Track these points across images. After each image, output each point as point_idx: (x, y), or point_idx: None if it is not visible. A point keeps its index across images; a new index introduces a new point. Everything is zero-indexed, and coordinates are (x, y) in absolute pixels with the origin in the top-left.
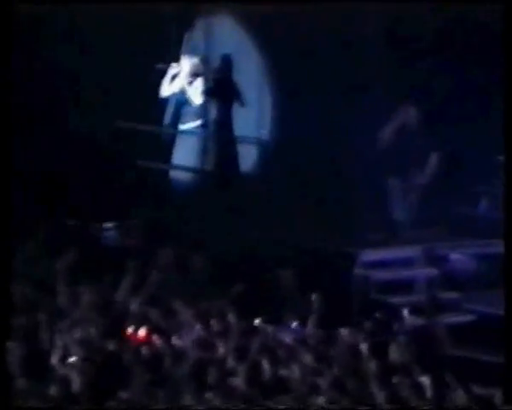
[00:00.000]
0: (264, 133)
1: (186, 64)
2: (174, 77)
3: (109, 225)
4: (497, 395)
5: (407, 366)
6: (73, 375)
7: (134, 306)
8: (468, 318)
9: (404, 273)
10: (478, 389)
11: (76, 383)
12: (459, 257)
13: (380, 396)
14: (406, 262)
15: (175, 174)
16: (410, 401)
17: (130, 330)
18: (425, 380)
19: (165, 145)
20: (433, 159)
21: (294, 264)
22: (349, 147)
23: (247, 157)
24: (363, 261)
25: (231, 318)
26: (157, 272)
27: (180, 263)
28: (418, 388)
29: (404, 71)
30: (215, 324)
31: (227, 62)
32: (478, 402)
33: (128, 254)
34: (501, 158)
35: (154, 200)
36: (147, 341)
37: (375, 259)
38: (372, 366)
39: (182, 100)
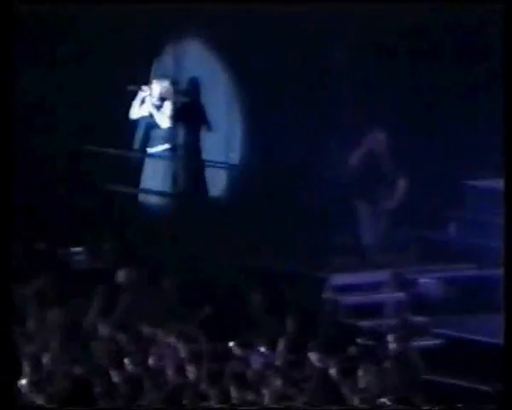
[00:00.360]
0: (233, 157)
1: (155, 87)
2: (143, 100)
3: (78, 249)
4: None
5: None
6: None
7: (103, 330)
8: (436, 342)
9: (373, 298)
10: None
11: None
12: (427, 282)
13: None
14: (375, 287)
15: (143, 198)
16: None
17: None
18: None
19: (133, 169)
20: (402, 184)
21: (264, 288)
22: (318, 171)
23: (216, 181)
24: (333, 285)
25: (201, 341)
26: (126, 296)
27: (149, 287)
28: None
29: (373, 96)
30: (185, 347)
31: (195, 86)
32: None
33: (97, 277)
34: (469, 183)
35: (123, 224)
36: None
37: (345, 283)
38: (342, 389)
39: (151, 123)
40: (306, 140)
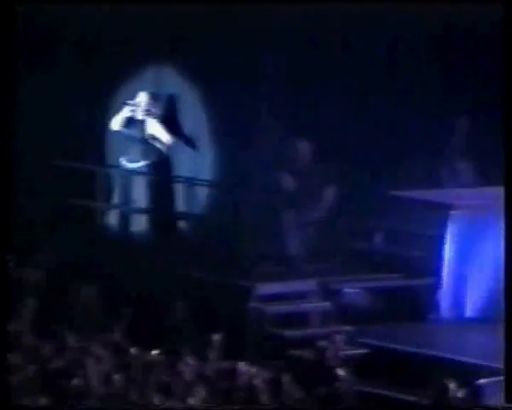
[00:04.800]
0: None
1: (142, 99)
2: (131, 113)
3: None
4: None
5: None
6: None
7: (25, 337)
8: (361, 351)
9: (299, 307)
10: None
11: None
12: (353, 291)
13: None
14: (301, 296)
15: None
16: None
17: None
18: None
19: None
20: (328, 193)
21: (189, 296)
22: (245, 181)
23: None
24: (259, 295)
25: (127, 350)
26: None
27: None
28: None
29: (298, 105)
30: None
31: (174, 103)
32: None
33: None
34: (394, 193)
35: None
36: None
37: (270, 292)
38: (267, 400)
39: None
40: (233, 148)
